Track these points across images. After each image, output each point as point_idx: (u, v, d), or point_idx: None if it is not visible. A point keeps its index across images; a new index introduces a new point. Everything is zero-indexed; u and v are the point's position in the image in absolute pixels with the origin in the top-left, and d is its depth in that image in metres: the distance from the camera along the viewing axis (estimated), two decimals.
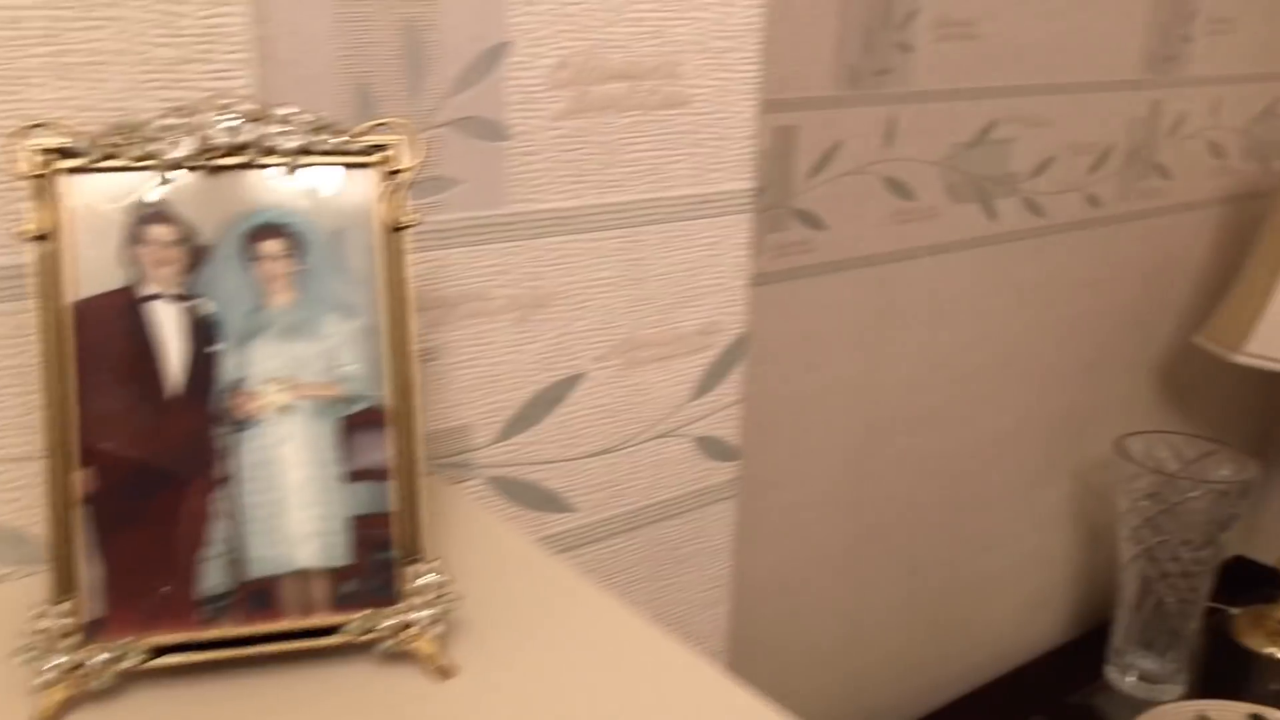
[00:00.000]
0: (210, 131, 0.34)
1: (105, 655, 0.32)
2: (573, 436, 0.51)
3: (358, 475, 0.35)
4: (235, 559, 0.34)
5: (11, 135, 0.33)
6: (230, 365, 0.34)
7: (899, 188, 0.88)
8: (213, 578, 0.34)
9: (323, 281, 0.35)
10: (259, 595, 0.34)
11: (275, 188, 0.35)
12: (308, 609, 0.35)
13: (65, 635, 0.32)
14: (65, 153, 0.33)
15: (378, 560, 0.35)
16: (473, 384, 0.48)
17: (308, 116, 0.35)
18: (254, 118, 0.35)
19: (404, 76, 0.44)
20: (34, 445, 0.39)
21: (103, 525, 0.33)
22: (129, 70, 0.38)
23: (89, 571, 0.33)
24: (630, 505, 0.54)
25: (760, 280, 0.83)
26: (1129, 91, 1.01)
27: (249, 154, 0.34)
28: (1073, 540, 1.14)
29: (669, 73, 0.50)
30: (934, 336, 0.95)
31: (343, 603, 0.35)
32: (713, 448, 0.56)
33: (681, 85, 0.50)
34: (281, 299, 0.35)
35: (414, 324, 0.36)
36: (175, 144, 0.33)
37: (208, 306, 0.34)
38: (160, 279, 0.33)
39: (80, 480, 0.33)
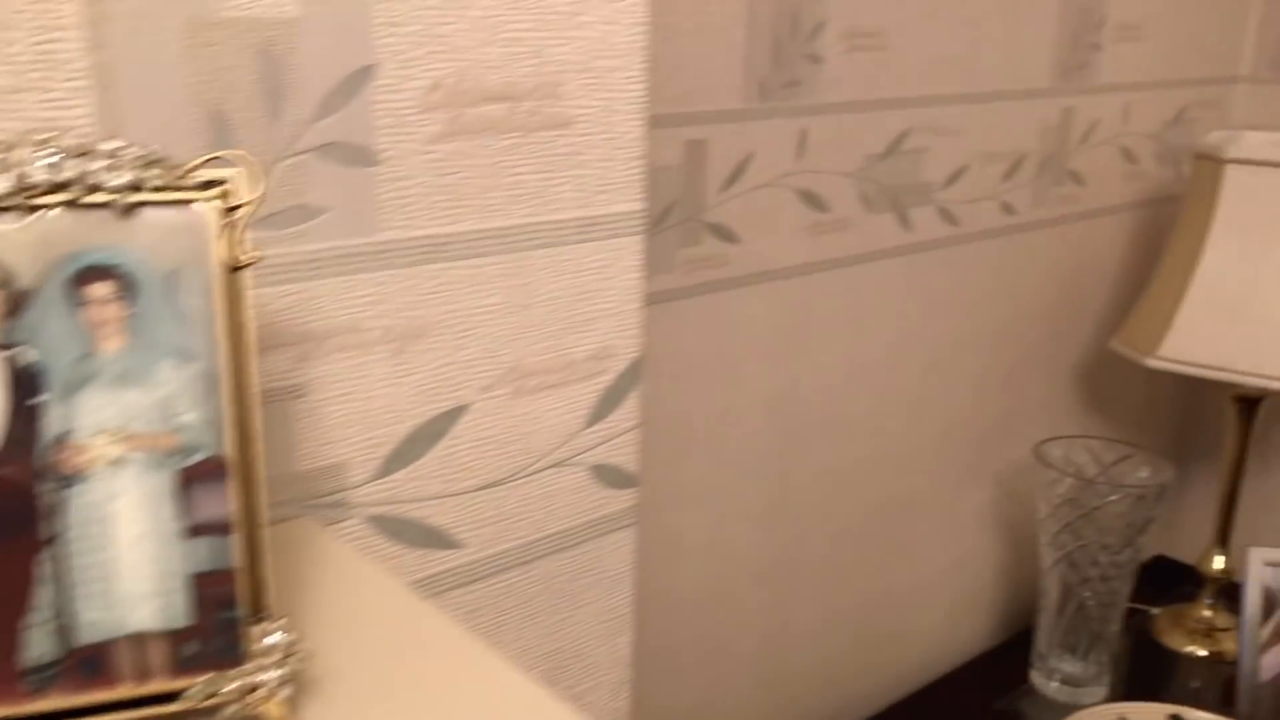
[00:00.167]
0: (28, 169, 0.32)
1: None
2: (458, 470, 0.49)
3: (198, 530, 0.33)
4: (64, 624, 0.32)
5: None
6: (55, 417, 0.32)
7: (813, 199, 0.88)
8: (38, 646, 0.32)
9: (156, 326, 0.33)
10: (91, 662, 0.32)
11: (102, 227, 0.33)
12: (145, 675, 0.33)
13: None
14: None
15: (221, 620, 0.33)
16: (347, 420, 0.46)
17: (137, 151, 0.33)
18: (77, 153, 0.32)
19: (262, 102, 0.42)
20: None
21: None
22: None
23: None
24: (523, 538, 0.52)
25: (674, 295, 0.82)
26: (1041, 99, 1.01)
27: (72, 192, 0.32)
28: (997, 545, 1.15)
29: (550, 93, 0.48)
30: (852, 347, 0.95)
31: (184, 666, 0.33)
32: (609, 475, 0.54)
33: (564, 106, 0.49)
34: (111, 345, 0.33)
35: (256, 368, 0.34)
36: None
37: (29, 355, 0.32)
38: None
39: None
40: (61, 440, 0.32)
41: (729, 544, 0.91)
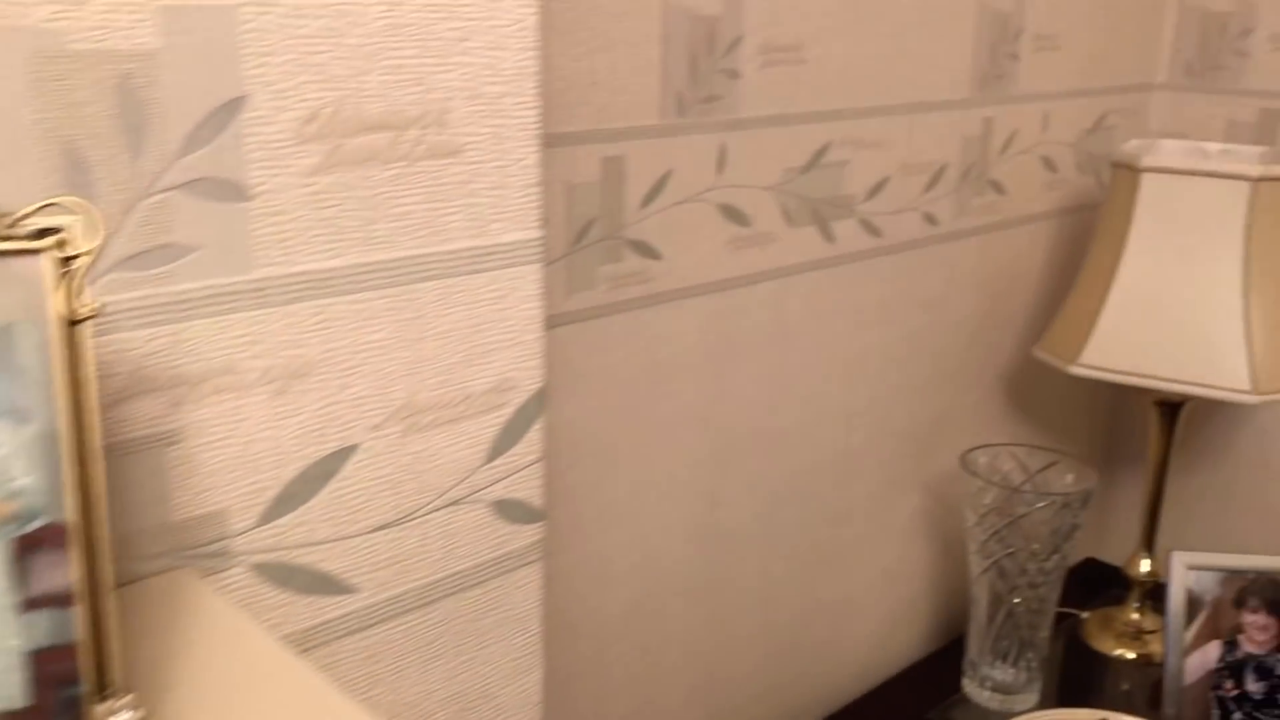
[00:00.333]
0: None
1: None
2: (350, 512, 0.48)
3: (36, 603, 0.31)
4: None
5: None
6: None
7: (734, 214, 0.87)
8: None
9: None
10: None
11: None
12: None
13: None
14: None
15: (63, 699, 0.31)
16: (227, 465, 0.44)
17: None
18: None
19: (122, 138, 0.40)
20: None
21: None
22: None
23: None
24: (422, 580, 0.51)
25: (597, 313, 0.80)
26: (960, 110, 1.02)
27: None
28: (928, 554, 1.15)
29: (436, 121, 0.47)
30: (779, 360, 0.94)
31: None
32: (512, 511, 0.53)
33: (451, 134, 0.47)
34: None
35: (98, 426, 0.32)
36: None
37: None
38: None
39: None
40: None
41: (659, 562, 0.90)
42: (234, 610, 0.40)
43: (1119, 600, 1.15)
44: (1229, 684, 0.98)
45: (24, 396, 0.31)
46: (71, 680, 0.31)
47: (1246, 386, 0.95)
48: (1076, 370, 1.00)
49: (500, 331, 0.51)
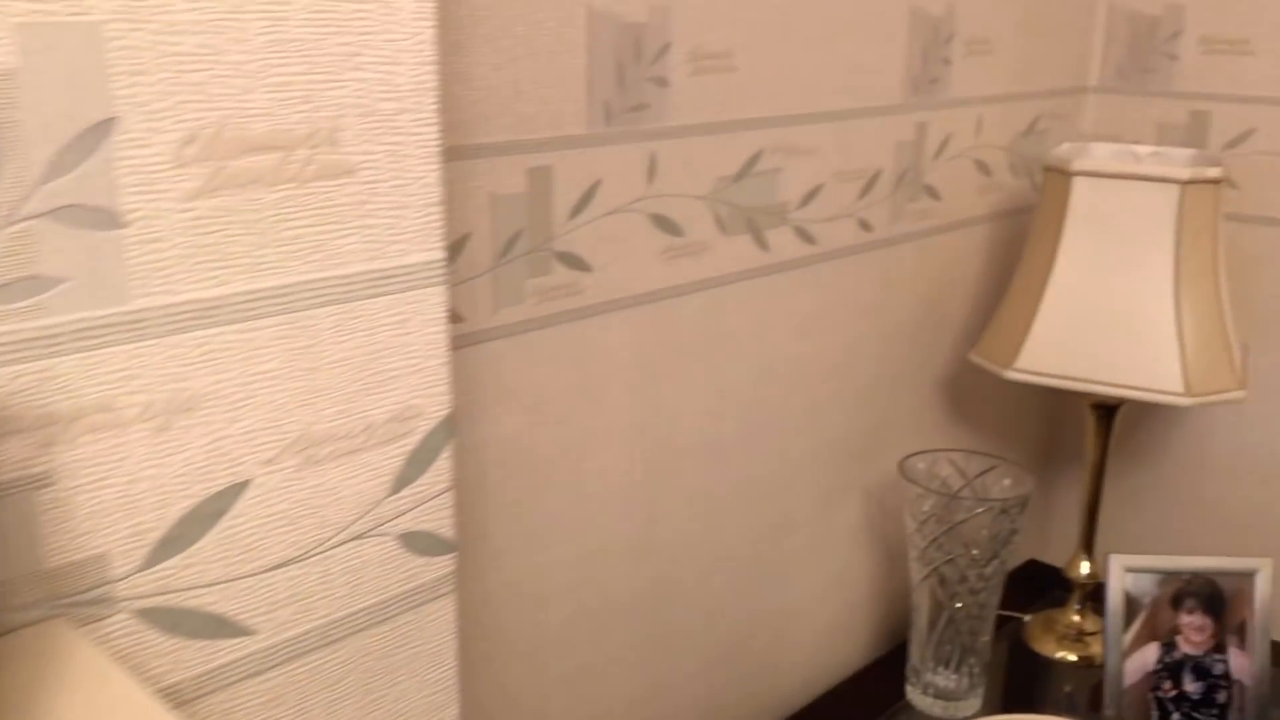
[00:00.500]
0: None
1: None
2: (243, 551, 0.45)
3: None
4: None
5: None
6: None
7: (666, 224, 0.86)
8: None
9: None
10: None
11: None
12: None
13: None
14: None
15: None
16: (105, 507, 0.42)
17: None
18: None
19: None
20: None
21: None
22: None
23: None
24: (325, 618, 0.48)
25: (526, 327, 0.79)
26: (893, 116, 1.01)
27: None
28: (870, 562, 1.14)
29: (327, 140, 0.45)
30: (716, 370, 0.93)
31: None
32: (421, 543, 0.51)
33: (344, 153, 0.45)
34: None
35: None
36: None
37: None
38: None
39: None
40: None
41: (597, 576, 0.88)
42: (106, 661, 0.38)
43: (1061, 602, 1.15)
44: (1167, 685, 0.99)
45: None
46: None
47: (1180, 389, 0.96)
48: (1012, 375, 1.00)
49: (402, 358, 0.49)
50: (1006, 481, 1.02)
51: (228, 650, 0.46)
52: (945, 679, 1.02)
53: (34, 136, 0.38)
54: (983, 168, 1.12)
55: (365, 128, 0.46)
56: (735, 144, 0.89)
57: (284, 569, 0.47)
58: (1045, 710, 1.04)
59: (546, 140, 0.76)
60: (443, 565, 0.52)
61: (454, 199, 0.73)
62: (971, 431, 1.22)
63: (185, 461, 0.43)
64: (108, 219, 0.40)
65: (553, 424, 0.81)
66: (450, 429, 0.51)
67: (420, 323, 0.49)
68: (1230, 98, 1.14)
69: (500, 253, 0.76)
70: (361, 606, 0.49)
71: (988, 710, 1.03)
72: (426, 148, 0.48)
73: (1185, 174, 0.94)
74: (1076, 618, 1.12)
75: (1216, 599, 0.98)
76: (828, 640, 1.12)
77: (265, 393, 0.45)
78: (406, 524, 0.50)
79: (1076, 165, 0.98)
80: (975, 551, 0.97)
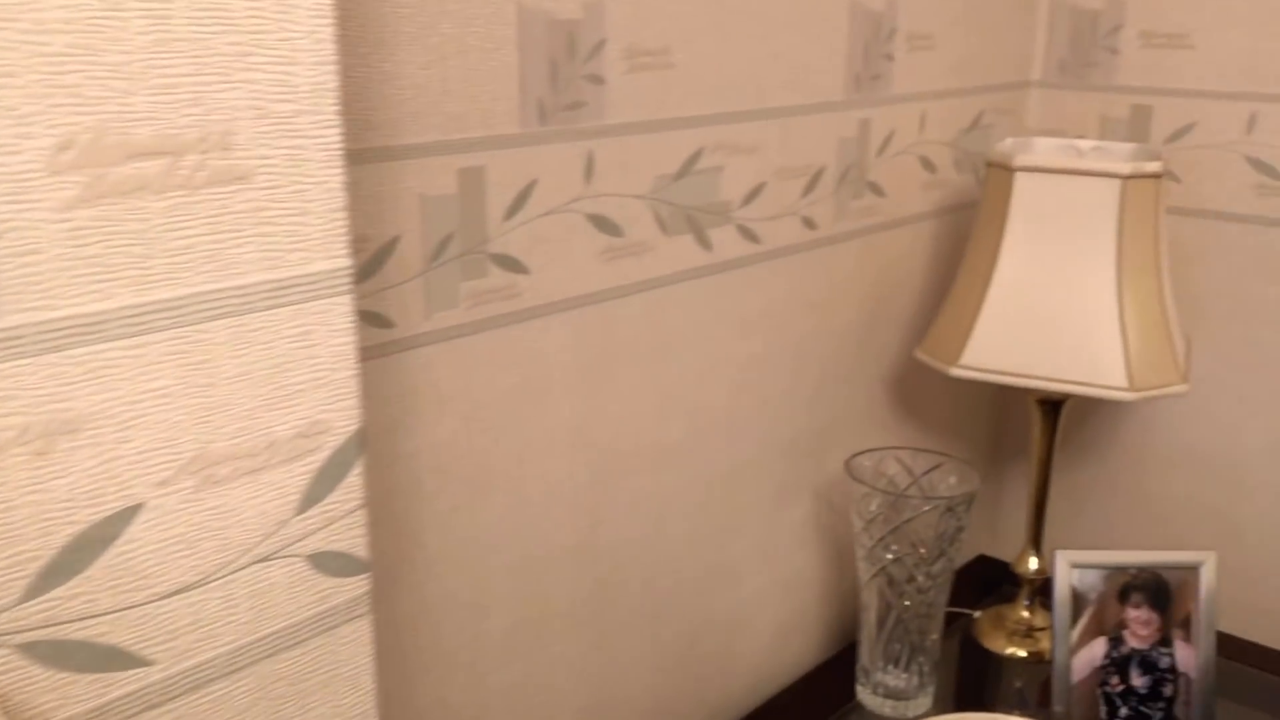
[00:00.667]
0: None
1: None
2: (137, 579, 0.43)
3: None
4: None
5: None
6: None
7: (605, 224, 0.84)
8: None
9: None
10: None
11: None
12: None
13: None
14: None
15: None
16: None
17: None
18: None
19: None
20: None
21: None
22: None
23: None
24: (229, 644, 0.46)
25: (461, 332, 0.77)
26: (836, 112, 1.00)
27: None
28: (819, 562, 1.14)
29: (219, 144, 0.42)
30: (660, 372, 0.91)
31: None
32: (332, 564, 0.49)
33: (238, 158, 0.43)
34: None
35: None
36: None
37: None
38: None
39: None
40: None
41: (540, 583, 0.86)
42: None
43: (1011, 598, 1.15)
44: (1115, 680, 0.99)
45: None
46: None
47: (1123, 383, 0.96)
48: (957, 372, 0.99)
49: (307, 371, 0.47)
50: (953, 479, 1.01)
51: (123, 682, 0.43)
52: (895, 678, 1.02)
53: None
54: (927, 164, 1.12)
55: (260, 131, 0.43)
56: (675, 142, 0.87)
57: (183, 595, 0.44)
58: (996, 707, 1.04)
59: (478, 140, 0.75)
60: (356, 585, 0.50)
61: (382, 201, 0.71)
62: (919, 429, 1.22)
63: (70, 486, 0.41)
64: None
65: (491, 430, 0.79)
66: (361, 444, 0.49)
67: (325, 334, 0.47)
68: (1171, 91, 1.14)
69: (432, 256, 0.74)
70: (269, 631, 0.47)
71: (938, 709, 1.02)
72: (328, 151, 0.46)
73: (1126, 169, 0.94)
74: (1026, 614, 1.12)
75: (1162, 593, 0.98)
76: (778, 641, 1.11)
77: (157, 411, 0.43)
78: (316, 544, 0.48)
79: (1018, 161, 0.97)
80: (922, 550, 0.97)
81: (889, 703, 1.01)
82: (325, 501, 0.48)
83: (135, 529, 0.43)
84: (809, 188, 0.99)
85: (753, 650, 1.08)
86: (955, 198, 1.17)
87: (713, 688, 1.05)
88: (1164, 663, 0.98)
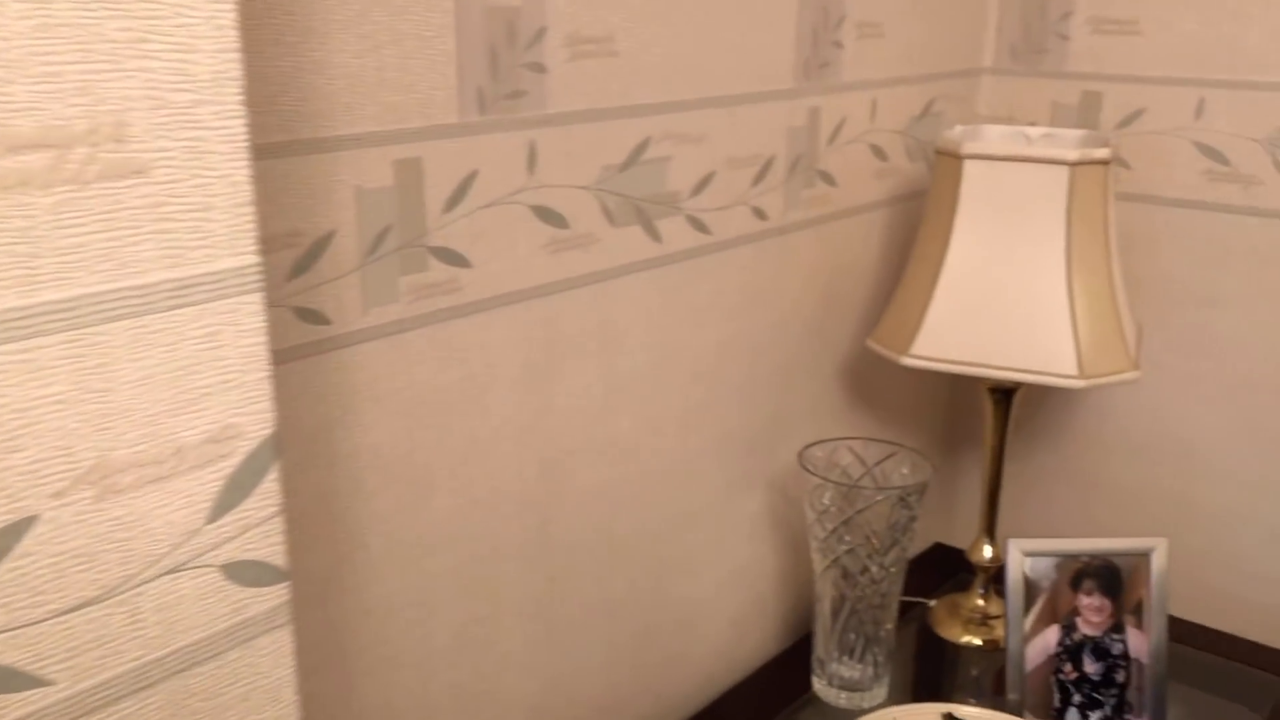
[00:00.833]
0: None
1: None
2: (33, 594, 0.41)
3: None
4: None
5: None
6: None
7: (550, 216, 0.82)
8: None
9: None
10: None
11: None
12: None
13: None
14: None
15: None
16: None
17: None
18: None
19: None
20: None
21: None
22: None
23: None
24: (137, 660, 0.44)
25: (400, 328, 0.75)
26: (785, 100, 0.99)
27: None
28: (774, 554, 1.13)
29: (112, 136, 0.40)
30: (610, 365, 0.90)
31: None
32: (247, 573, 0.47)
33: (133, 151, 0.41)
34: None
35: None
36: None
37: None
38: None
39: None
40: None
41: (489, 582, 0.85)
42: None
43: (966, 586, 1.15)
44: (1068, 667, 0.99)
45: None
46: None
47: (1073, 371, 0.96)
48: (908, 361, 0.99)
49: (215, 373, 0.44)
50: (906, 469, 1.01)
51: (20, 704, 0.41)
52: (850, 669, 1.01)
53: None
54: (879, 152, 1.11)
55: (157, 122, 0.41)
56: (621, 132, 0.85)
57: (84, 610, 0.42)
58: (952, 696, 1.04)
59: (415, 130, 0.72)
60: (275, 595, 0.48)
61: (315, 194, 0.68)
62: (873, 418, 1.21)
63: None
64: None
65: (434, 427, 0.77)
66: (277, 448, 0.47)
67: (234, 334, 0.45)
68: (1121, 78, 1.14)
69: (369, 250, 0.72)
70: (180, 646, 0.45)
71: (894, 699, 1.02)
72: (232, 143, 0.43)
73: (1074, 155, 0.94)
74: (981, 602, 1.12)
75: (1114, 579, 0.98)
76: (734, 634, 1.10)
77: (51, 418, 0.40)
78: (230, 553, 0.46)
79: (967, 148, 0.97)
80: (875, 541, 0.96)
81: (844, 694, 1.01)
82: (239, 509, 0.46)
83: (29, 543, 0.41)
84: (759, 177, 0.98)
85: (708, 644, 1.07)
86: (907, 186, 1.16)
87: (668, 682, 1.04)
88: (1116, 649, 0.98)
